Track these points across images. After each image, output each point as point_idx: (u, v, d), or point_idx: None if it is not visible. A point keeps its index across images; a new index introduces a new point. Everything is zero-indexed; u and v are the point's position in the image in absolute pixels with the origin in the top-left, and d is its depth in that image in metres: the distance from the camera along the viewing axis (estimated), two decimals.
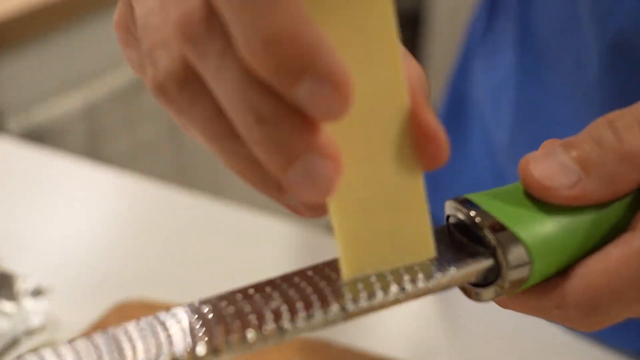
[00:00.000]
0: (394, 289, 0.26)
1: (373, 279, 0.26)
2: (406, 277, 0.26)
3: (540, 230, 0.28)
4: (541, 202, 0.28)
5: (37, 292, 0.50)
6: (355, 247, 0.26)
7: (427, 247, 0.27)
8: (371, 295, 0.26)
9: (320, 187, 0.23)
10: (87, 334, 0.49)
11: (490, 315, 0.54)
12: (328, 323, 0.25)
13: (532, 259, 0.28)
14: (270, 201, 0.28)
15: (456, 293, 0.55)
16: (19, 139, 0.81)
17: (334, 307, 0.25)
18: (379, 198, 0.26)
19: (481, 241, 0.28)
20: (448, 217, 0.29)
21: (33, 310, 0.49)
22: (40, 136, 1.13)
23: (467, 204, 0.28)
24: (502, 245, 0.27)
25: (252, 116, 0.23)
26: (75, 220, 0.62)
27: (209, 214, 0.63)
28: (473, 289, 0.29)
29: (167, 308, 0.52)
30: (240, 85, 0.23)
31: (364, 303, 0.26)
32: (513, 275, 0.28)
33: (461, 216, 0.28)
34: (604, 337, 0.52)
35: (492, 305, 0.54)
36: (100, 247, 0.59)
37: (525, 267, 0.28)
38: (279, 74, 0.22)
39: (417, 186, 0.26)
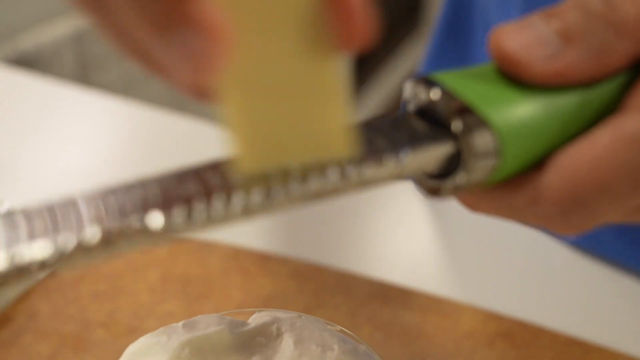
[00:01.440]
0: (295, 184, 0.22)
1: (273, 174, 0.22)
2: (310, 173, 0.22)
3: (513, 113, 0.23)
4: (517, 82, 0.24)
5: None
6: (251, 138, 0.22)
7: (341, 144, 0.22)
8: (269, 190, 0.22)
9: (197, 66, 0.20)
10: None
11: (491, 239, 0.51)
12: (216, 220, 0.21)
13: (502, 145, 0.23)
14: None
15: (454, 217, 0.53)
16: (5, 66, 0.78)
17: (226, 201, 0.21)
18: (281, 82, 0.22)
19: (445, 128, 0.23)
20: (406, 102, 0.25)
21: None
22: (27, 64, 1.09)
23: (429, 83, 0.24)
24: (467, 128, 0.23)
25: None
26: (66, 148, 0.59)
27: (207, 138, 0.60)
28: (430, 181, 0.24)
29: None
30: None
31: (257, 198, 0.21)
32: (479, 165, 0.23)
33: (422, 97, 0.24)
34: (610, 253, 0.49)
35: (494, 228, 0.52)
36: (91, 175, 0.56)
37: (494, 155, 0.23)
38: None
39: (329, 70, 0.22)
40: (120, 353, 0.30)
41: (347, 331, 0.31)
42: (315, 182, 0.22)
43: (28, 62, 1.09)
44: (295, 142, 0.22)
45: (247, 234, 0.50)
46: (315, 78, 0.22)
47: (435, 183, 0.24)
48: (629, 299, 0.47)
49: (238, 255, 0.48)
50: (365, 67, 1.71)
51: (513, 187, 0.24)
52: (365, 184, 0.23)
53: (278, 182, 0.22)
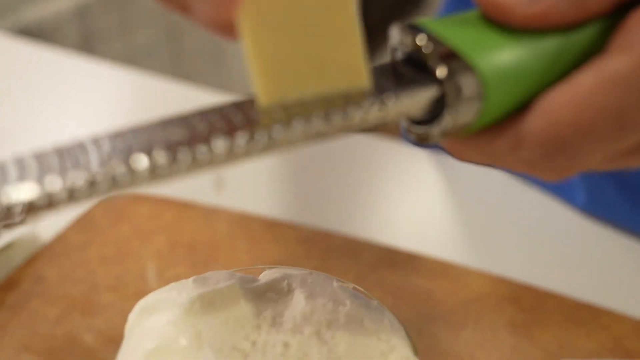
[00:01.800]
0: (317, 118, 0.22)
1: (294, 106, 0.23)
2: (332, 107, 0.23)
3: (497, 57, 0.24)
4: (500, 27, 0.24)
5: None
6: (272, 69, 0.23)
7: (358, 75, 0.23)
8: (289, 123, 0.22)
9: (219, 1, 0.21)
10: (72, 226, 0.46)
11: (500, 204, 0.51)
12: (244, 153, 0.22)
13: (485, 89, 0.24)
14: None
15: (462, 182, 0.52)
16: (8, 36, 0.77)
17: (251, 135, 0.22)
18: (299, 14, 0.22)
19: (430, 73, 0.24)
20: (394, 49, 0.25)
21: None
22: (30, 37, 1.08)
23: (415, 30, 0.24)
24: (452, 73, 0.23)
25: None
26: (70, 117, 0.59)
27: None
28: (418, 128, 0.25)
29: (158, 202, 0.49)
30: None
31: (280, 132, 0.22)
32: (463, 109, 0.24)
33: (408, 43, 0.24)
34: (618, 218, 0.48)
35: (502, 193, 0.52)
36: None
37: (478, 99, 0.24)
38: None
39: (346, 3, 0.23)
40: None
41: (359, 288, 0.31)
42: (300, 125, 0.23)
43: (31, 35, 1.09)
44: (313, 73, 0.23)
45: (254, 200, 0.50)
46: (332, 10, 0.22)
47: (422, 129, 0.25)
48: (638, 263, 0.47)
49: (245, 221, 0.48)
50: (373, 37, 1.69)
51: (497, 132, 0.25)
52: (350, 128, 0.23)
53: (300, 114, 0.22)
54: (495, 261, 0.46)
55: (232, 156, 0.22)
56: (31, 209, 0.20)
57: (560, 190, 0.51)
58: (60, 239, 0.45)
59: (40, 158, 0.21)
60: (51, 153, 0.21)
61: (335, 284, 0.30)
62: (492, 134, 0.25)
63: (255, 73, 0.23)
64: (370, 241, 0.47)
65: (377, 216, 0.50)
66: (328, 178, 0.53)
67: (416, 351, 0.29)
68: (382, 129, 0.24)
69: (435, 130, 0.24)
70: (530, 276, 0.45)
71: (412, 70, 0.24)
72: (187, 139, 0.21)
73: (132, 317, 0.29)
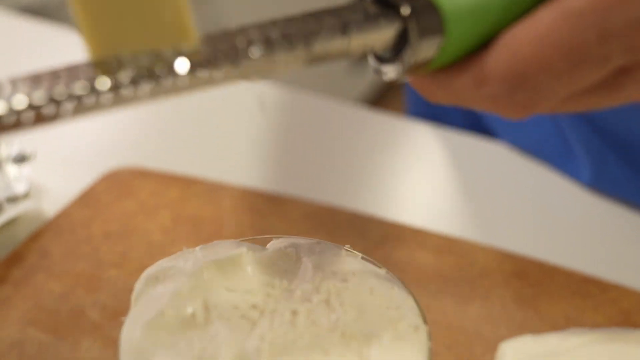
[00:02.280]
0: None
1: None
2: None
3: None
4: None
5: (20, 159, 0.46)
6: (96, 31, 0.23)
7: (186, 32, 0.24)
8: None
9: None
10: (76, 202, 0.46)
11: (506, 179, 0.51)
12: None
13: (446, 24, 0.25)
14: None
15: (469, 157, 0.52)
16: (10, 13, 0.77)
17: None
18: None
19: (395, 10, 0.26)
20: None
21: (16, 177, 0.45)
22: (36, 13, 1.08)
23: None
24: (414, 10, 0.25)
25: None
26: None
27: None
28: (384, 66, 0.27)
29: (163, 178, 0.48)
30: None
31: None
32: (425, 43, 0.25)
33: None
34: (625, 194, 0.48)
35: (509, 169, 0.51)
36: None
37: (439, 34, 0.25)
38: None
39: None
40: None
41: (367, 257, 0.30)
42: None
43: (36, 12, 1.08)
44: (140, 31, 0.24)
45: (259, 175, 0.49)
46: None
47: (388, 67, 0.27)
48: None
49: (250, 197, 0.47)
50: None
51: (461, 68, 0.26)
52: (314, 59, 0.25)
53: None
54: (501, 237, 0.46)
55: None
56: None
57: (566, 166, 0.50)
58: (64, 215, 0.45)
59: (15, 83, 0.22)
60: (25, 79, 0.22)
61: (343, 253, 0.30)
62: (456, 70, 0.26)
63: (84, 33, 0.23)
64: (376, 217, 0.46)
65: (383, 192, 0.50)
66: (334, 154, 0.52)
67: (425, 320, 0.28)
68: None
69: (399, 65, 0.26)
70: (537, 252, 0.45)
71: (379, 8, 0.26)
72: None
73: (138, 285, 0.29)
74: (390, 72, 0.26)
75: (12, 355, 0.38)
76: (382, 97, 1.45)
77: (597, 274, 0.43)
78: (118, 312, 0.40)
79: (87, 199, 0.46)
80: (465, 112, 0.57)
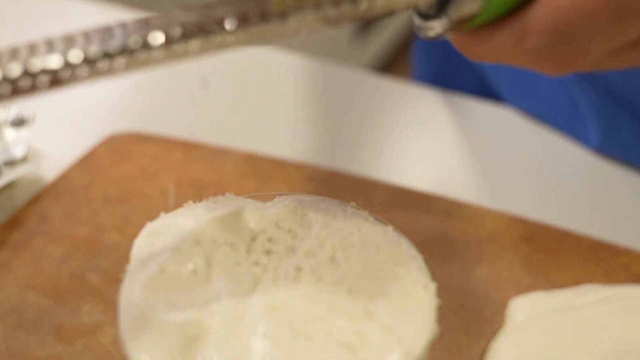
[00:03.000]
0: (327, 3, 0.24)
1: None
2: None
3: None
4: None
5: (18, 122, 0.45)
6: None
7: None
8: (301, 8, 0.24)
9: None
10: (76, 166, 0.45)
11: (514, 143, 0.50)
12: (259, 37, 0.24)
13: None
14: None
15: (476, 121, 0.51)
16: None
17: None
18: None
19: None
20: None
21: (14, 141, 0.44)
22: None
23: None
24: None
25: None
26: None
27: None
28: (427, 23, 0.27)
29: (164, 143, 0.48)
30: None
31: (292, 17, 0.24)
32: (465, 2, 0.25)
33: None
34: (634, 158, 0.47)
35: (517, 134, 0.50)
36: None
37: None
38: None
39: None
40: None
41: (374, 215, 0.29)
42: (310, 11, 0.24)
43: None
44: None
45: (262, 140, 0.49)
46: None
47: (430, 24, 0.27)
48: None
49: (253, 161, 0.46)
50: None
51: (503, 25, 0.26)
52: (361, 16, 0.25)
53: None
54: (509, 202, 0.45)
55: (245, 38, 0.23)
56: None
57: (574, 131, 0.49)
58: (64, 179, 0.44)
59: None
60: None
61: (349, 209, 0.29)
62: (498, 27, 0.26)
63: None
64: (381, 181, 0.46)
65: (389, 156, 0.49)
66: (339, 118, 0.51)
67: (433, 278, 0.28)
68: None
69: (442, 22, 0.26)
70: (545, 217, 0.44)
71: None
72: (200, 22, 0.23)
73: (138, 241, 0.28)
74: (437, 27, 0.26)
75: (11, 319, 0.37)
76: (390, 63, 1.43)
77: (607, 239, 0.43)
78: (118, 276, 0.40)
79: (87, 163, 0.46)
80: (473, 77, 0.56)
